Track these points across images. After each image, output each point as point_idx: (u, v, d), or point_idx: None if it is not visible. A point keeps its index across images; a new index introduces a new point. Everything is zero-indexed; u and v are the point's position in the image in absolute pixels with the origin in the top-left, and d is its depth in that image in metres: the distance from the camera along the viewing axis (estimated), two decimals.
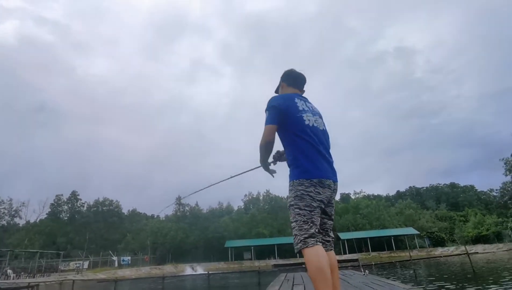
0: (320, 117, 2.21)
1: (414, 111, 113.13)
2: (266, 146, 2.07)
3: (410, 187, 79.42)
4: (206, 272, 19.47)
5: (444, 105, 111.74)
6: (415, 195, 74.60)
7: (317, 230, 1.83)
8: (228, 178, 2.83)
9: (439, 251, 37.46)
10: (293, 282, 5.47)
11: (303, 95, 2.30)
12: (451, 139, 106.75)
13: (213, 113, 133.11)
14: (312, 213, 1.84)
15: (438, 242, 44.00)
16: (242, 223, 54.34)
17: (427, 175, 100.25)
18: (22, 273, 27.90)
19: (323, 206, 1.94)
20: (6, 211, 57.34)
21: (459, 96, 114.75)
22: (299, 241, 1.79)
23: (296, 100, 2.13)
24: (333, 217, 2.06)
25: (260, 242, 48.38)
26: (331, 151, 2.14)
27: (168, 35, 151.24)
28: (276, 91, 2.45)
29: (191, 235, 52.32)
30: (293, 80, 2.32)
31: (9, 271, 25.90)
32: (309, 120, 2.07)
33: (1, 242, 44.40)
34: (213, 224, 53.74)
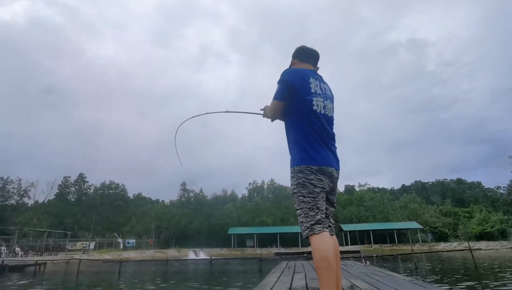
0: (332, 101, 2.10)
1: (423, 104, 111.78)
2: (272, 118, 2.13)
3: (415, 181, 79.08)
4: (209, 258, 19.77)
5: (454, 99, 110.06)
6: (421, 190, 74.25)
7: (323, 215, 1.80)
8: (225, 111, 2.70)
9: (441, 246, 37.43)
10: (294, 270, 5.50)
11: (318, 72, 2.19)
12: (460, 135, 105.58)
13: (220, 100, 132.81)
14: (316, 199, 1.80)
15: (441, 237, 43.94)
16: (246, 211, 54.84)
17: (433, 170, 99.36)
18: (30, 251, 28.69)
19: (325, 192, 1.90)
20: (15, 191, 58.73)
21: (471, 90, 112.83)
22: (305, 228, 1.75)
23: (311, 79, 2.00)
24: (335, 204, 2.02)
25: (263, 230, 48.86)
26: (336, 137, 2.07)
27: (177, 20, 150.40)
28: None
29: (195, 220, 53.07)
30: (306, 56, 2.18)
31: (17, 249, 26.64)
32: (318, 105, 1.96)
33: (10, 221, 45.55)
34: (217, 211, 54.35)
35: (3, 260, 17.88)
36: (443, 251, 22.17)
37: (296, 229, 39.42)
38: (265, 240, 47.99)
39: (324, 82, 2.11)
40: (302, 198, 1.81)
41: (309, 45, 2.22)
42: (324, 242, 1.69)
